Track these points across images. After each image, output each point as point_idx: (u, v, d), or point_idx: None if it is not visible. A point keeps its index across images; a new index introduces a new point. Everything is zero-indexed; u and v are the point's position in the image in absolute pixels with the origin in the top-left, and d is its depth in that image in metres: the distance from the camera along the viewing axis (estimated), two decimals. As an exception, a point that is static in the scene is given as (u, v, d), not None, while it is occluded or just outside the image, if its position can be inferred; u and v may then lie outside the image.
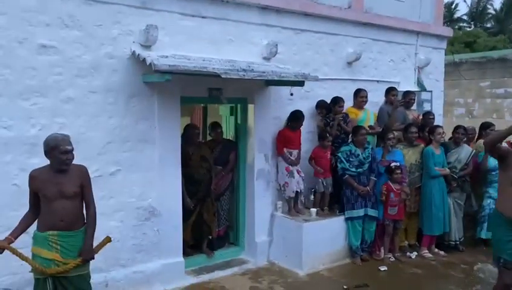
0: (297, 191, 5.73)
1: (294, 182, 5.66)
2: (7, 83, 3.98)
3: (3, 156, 4.00)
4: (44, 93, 4.16)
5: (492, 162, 6.24)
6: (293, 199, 5.76)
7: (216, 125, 5.92)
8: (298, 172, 5.71)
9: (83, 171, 3.53)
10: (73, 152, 3.43)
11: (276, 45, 5.54)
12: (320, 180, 5.82)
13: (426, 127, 6.47)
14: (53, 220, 3.37)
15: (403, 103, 6.49)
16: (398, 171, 5.75)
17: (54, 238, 3.37)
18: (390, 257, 5.92)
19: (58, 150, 3.32)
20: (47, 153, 3.37)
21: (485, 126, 6.80)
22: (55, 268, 3.38)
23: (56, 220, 3.37)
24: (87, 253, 3.50)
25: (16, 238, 3.39)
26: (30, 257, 3.43)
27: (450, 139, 6.55)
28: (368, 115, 6.33)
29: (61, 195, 3.36)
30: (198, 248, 5.62)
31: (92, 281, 3.69)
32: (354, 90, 6.36)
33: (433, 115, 6.86)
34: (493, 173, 6.22)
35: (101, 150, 4.49)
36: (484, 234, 6.21)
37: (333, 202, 6.11)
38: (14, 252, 3.39)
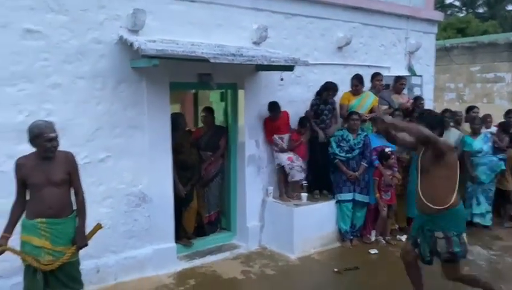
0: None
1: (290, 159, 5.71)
2: (-8, 68, 3.93)
3: (-10, 143, 3.96)
4: (31, 79, 4.11)
5: (477, 144, 6.35)
6: (289, 183, 5.81)
7: (208, 110, 5.89)
8: (290, 159, 5.71)
9: (69, 158, 3.50)
10: (60, 139, 3.41)
11: (266, 29, 5.50)
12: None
13: (414, 112, 6.52)
14: (41, 207, 3.35)
15: (384, 87, 6.51)
16: (393, 156, 5.80)
17: (43, 225, 3.36)
18: (381, 240, 5.99)
19: (42, 137, 3.29)
20: (31, 141, 3.34)
21: (470, 109, 6.96)
22: (53, 261, 3.37)
23: (44, 208, 3.35)
24: (81, 240, 3.51)
25: (11, 233, 3.38)
26: (19, 245, 3.42)
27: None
28: (363, 101, 6.17)
29: (48, 182, 3.34)
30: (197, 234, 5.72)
31: (82, 267, 3.71)
32: (344, 75, 6.35)
33: (423, 99, 6.89)
34: (479, 155, 6.33)
35: (89, 137, 4.45)
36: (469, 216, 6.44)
37: (323, 186, 6.15)
38: (15, 252, 3.38)
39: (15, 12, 3.98)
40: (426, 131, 3.64)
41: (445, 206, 3.67)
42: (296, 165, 5.69)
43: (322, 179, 6.02)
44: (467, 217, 6.51)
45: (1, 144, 4.00)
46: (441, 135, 3.87)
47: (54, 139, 3.35)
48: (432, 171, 3.73)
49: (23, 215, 3.44)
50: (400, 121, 3.79)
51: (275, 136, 5.68)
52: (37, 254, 3.36)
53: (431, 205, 3.71)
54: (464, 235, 3.79)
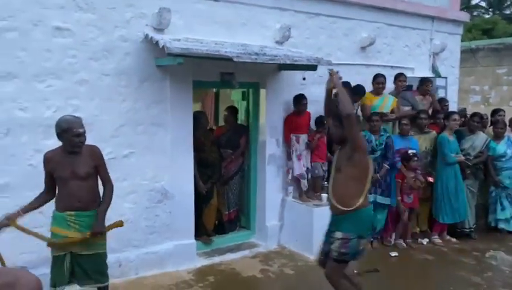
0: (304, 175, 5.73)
1: (300, 166, 5.69)
2: (23, 65, 4.03)
3: (19, 137, 4.07)
4: (59, 75, 4.21)
5: (501, 148, 6.21)
6: (305, 183, 5.77)
7: (231, 110, 5.94)
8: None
9: (95, 152, 3.57)
10: (86, 134, 3.48)
11: (289, 28, 5.50)
12: (319, 164, 5.80)
13: (440, 113, 6.42)
14: (70, 201, 3.44)
15: (405, 88, 6.41)
16: (416, 158, 5.74)
17: (71, 218, 3.46)
18: (401, 243, 5.92)
19: (70, 132, 3.37)
20: (59, 135, 3.42)
21: (495, 112, 6.81)
22: (63, 240, 3.45)
23: (73, 201, 3.44)
24: (98, 226, 3.51)
25: (25, 213, 3.47)
26: (49, 236, 3.53)
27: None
28: (385, 102, 6.13)
29: (74, 176, 3.42)
30: (217, 232, 5.78)
31: (105, 260, 3.78)
32: (368, 76, 6.29)
33: (448, 101, 6.79)
34: (503, 159, 6.20)
35: (114, 133, 4.54)
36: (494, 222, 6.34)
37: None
38: (22, 229, 3.46)
39: (46, 11, 4.09)
40: (354, 113, 3.60)
41: (350, 208, 3.59)
42: (299, 174, 5.69)
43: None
44: (491, 222, 6.42)
45: (29, 138, 4.11)
46: None
47: (82, 135, 3.43)
48: (344, 170, 3.65)
49: (54, 208, 3.53)
50: (344, 91, 3.66)
51: (292, 135, 5.66)
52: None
53: (338, 206, 3.65)
54: (364, 241, 3.71)
